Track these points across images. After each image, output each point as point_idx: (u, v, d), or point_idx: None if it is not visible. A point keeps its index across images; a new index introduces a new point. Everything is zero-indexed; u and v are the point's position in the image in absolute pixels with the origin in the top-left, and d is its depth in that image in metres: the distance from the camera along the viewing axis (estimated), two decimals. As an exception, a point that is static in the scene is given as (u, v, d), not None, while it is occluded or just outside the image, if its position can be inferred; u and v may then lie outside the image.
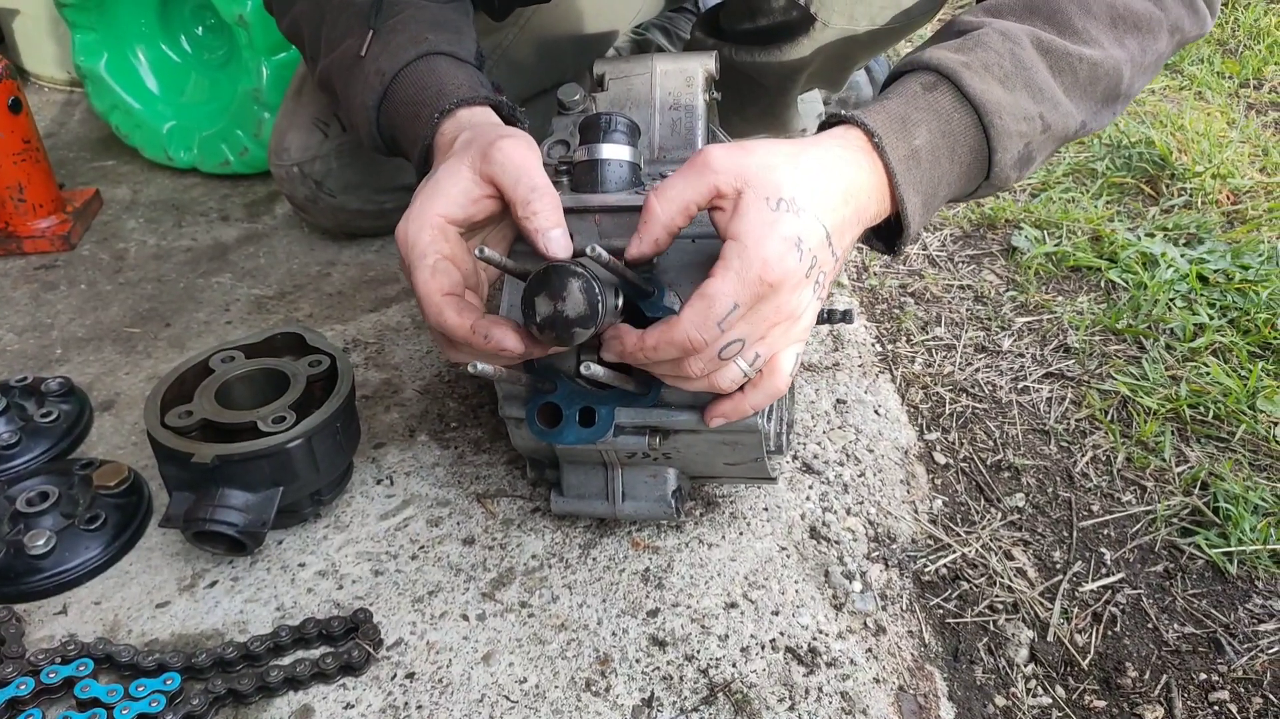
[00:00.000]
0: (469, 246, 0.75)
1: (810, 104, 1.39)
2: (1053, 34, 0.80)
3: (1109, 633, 0.93)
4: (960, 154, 0.76)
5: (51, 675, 0.76)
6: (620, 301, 0.73)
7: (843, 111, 0.75)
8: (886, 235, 0.79)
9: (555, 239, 0.70)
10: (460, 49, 0.90)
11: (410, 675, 0.78)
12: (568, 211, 0.79)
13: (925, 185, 0.75)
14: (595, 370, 0.70)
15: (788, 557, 0.89)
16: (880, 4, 1.05)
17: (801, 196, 0.68)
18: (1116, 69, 0.82)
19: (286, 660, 0.79)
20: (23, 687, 0.75)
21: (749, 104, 1.20)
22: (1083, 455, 1.12)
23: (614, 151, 0.79)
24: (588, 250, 0.71)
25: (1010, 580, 0.97)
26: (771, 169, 0.68)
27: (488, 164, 0.72)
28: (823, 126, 0.76)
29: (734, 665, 0.79)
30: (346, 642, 0.80)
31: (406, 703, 0.76)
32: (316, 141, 1.22)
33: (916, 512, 1.03)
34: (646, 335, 0.70)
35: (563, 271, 0.67)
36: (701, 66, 0.92)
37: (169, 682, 0.76)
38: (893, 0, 1.05)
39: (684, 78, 0.92)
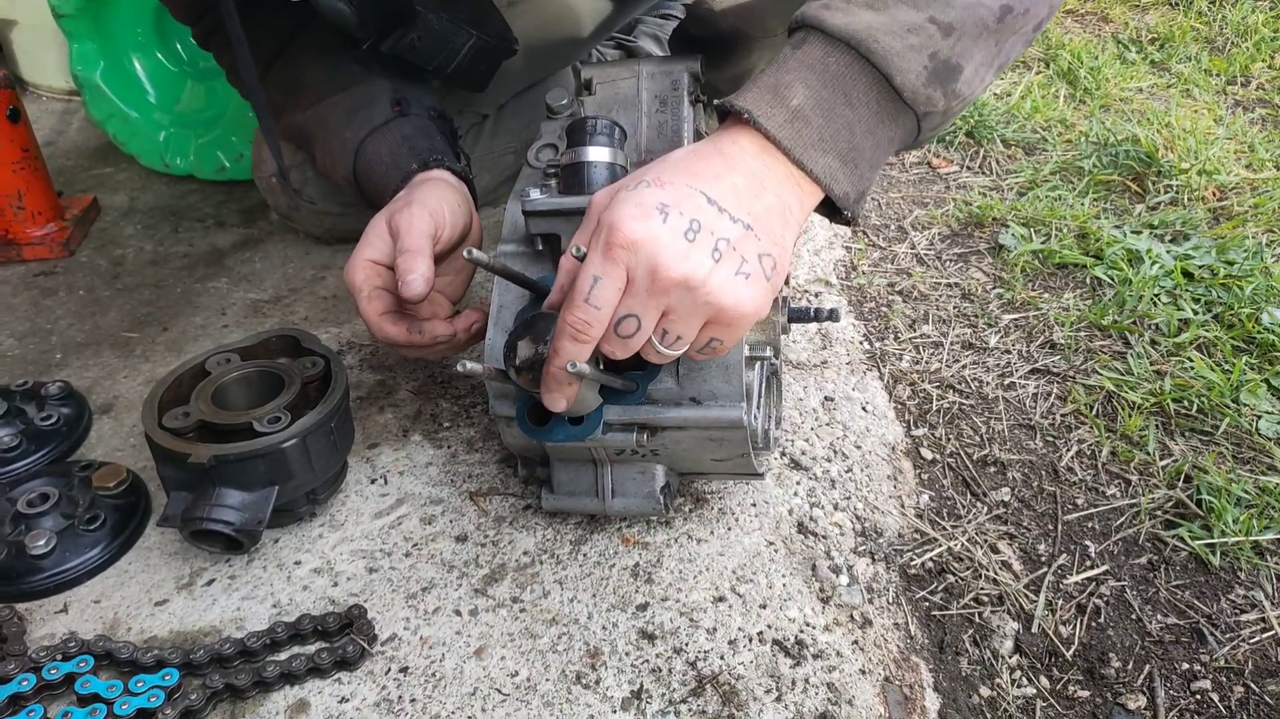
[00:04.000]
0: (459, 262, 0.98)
1: None
2: None
3: (1093, 624, 0.95)
4: (858, 95, 0.71)
5: (53, 672, 0.77)
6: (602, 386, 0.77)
7: (717, 101, 0.74)
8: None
9: (409, 283, 0.87)
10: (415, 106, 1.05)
11: (404, 670, 0.80)
12: (556, 214, 0.82)
13: (830, 142, 0.71)
14: (582, 368, 0.72)
15: (775, 551, 0.91)
16: None
17: (666, 175, 0.68)
18: None
19: (283, 656, 0.80)
20: (25, 683, 0.76)
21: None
22: (1068, 450, 1.14)
23: (599, 154, 0.81)
24: (573, 251, 0.73)
25: (995, 573, 0.99)
26: (641, 170, 0.71)
27: (391, 227, 0.92)
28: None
29: (722, 658, 0.80)
30: (341, 637, 0.82)
31: (400, 696, 0.78)
32: (291, 151, 1.24)
33: (903, 506, 1.05)
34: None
35: (549, 319, 0.72)
36: (686, 69, 0.94)
37: (168, 677, 0.77)
38: None
39: (669, 81, 0.93)
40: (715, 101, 0.72)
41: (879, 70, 0.70)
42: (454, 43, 1.04)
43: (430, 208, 0.92)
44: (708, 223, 0.67)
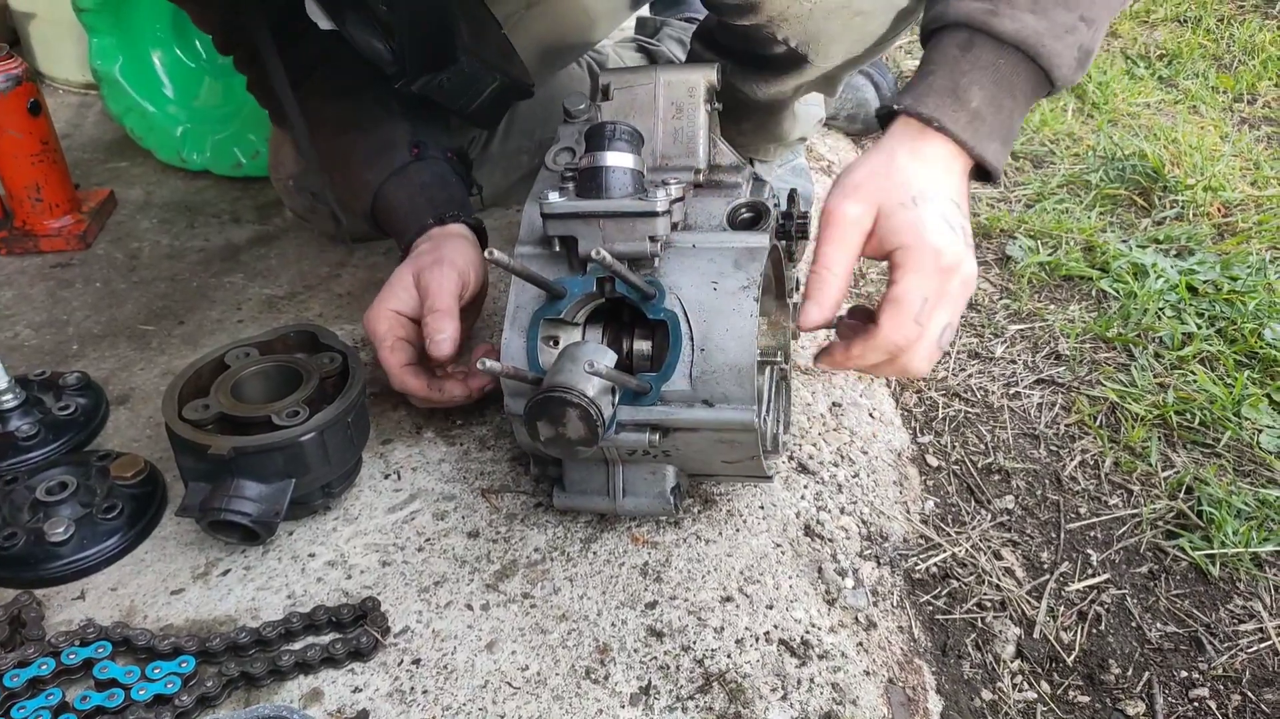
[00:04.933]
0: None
1: (810, 107, 1.42)
2: None
3: (1094, 631, 0.96)
4: (1020, 87, 0.80)
5: (71, 657, 0.79)
6: (617, 398, 0.81)
7: (894, 105, 0.81)
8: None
9: (439, 343, 0.93)
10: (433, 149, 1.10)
11: (416, 661, 0.81)
12: (574, 217, 0.83)
13: (998, 131, 0.80)
14: (600, 369, 0.73)
15: (782, 553, 0.92)
16: (871, 38, 1.06)
17: (922, 186, 0.78)
18: None
19: (297, 645, 0.82)
20: (44, 667, 0.78)
21: (743, 119, 1.23)
22: (1071, 459, 1.15)
23: (618, 159, 0.82)
24: (592, 254, 0.75)
25: (999, 579, 1.00)
26: (886, 178, 0.79)
27: (419, 283, 0.98)
28: (881, 122, 0.84)
29: (729, 656, 0.82)
30: (355, 628, 0.83)
31: (413, 687, 0.79)
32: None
33: (908, 512, 1.06)
34: (852, 347, 0.80)
35: (559, 403, 0.75)
36: (704, 78, 0.95)
37: (184, 664, 0.79)
38: (881, 33, 1.05)
39: (686, 88, 0.95)
40: (892, 106, 0.81)
41: (1042, 68, 0.79)
42: (479, 84, 1.07)
43: (459, 268, 0.98)
44: (964, 226, 0.79)
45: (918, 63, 0.84)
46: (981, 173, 0.83)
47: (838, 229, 0.79)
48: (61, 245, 1.45)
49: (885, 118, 0.83)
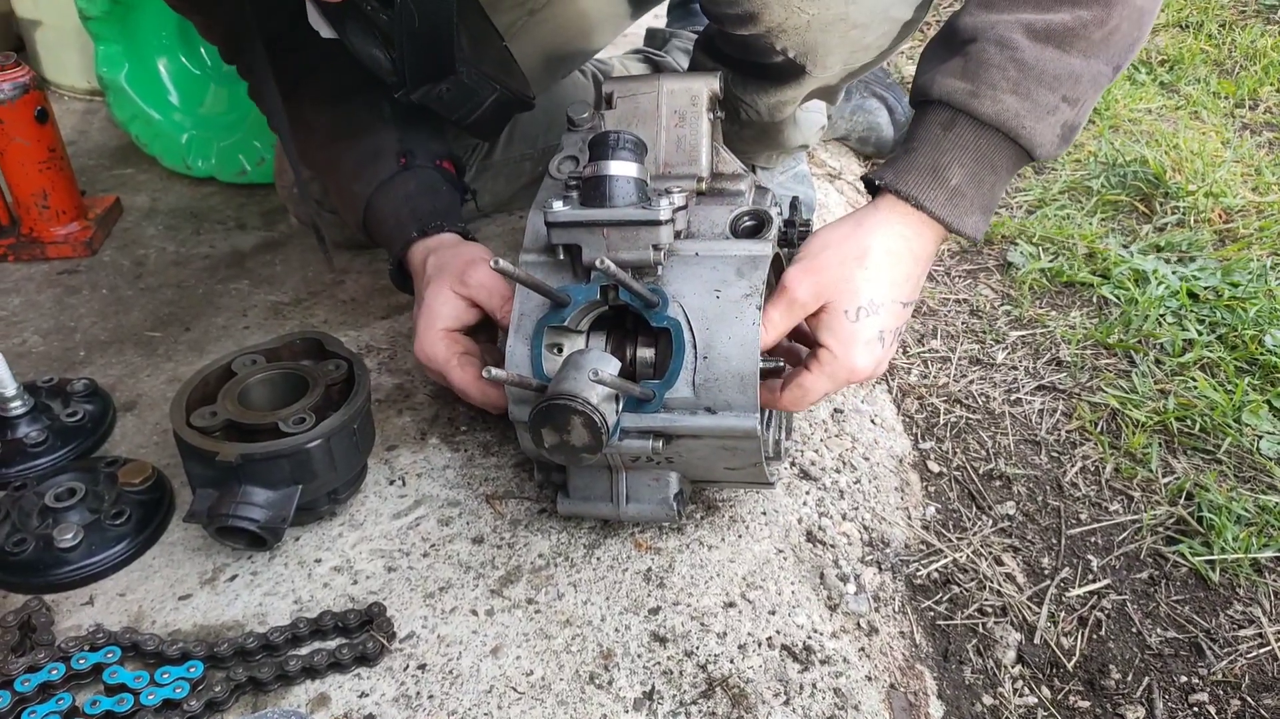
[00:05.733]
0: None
1: (812, 114, 1.42)
2: (1043, 12, 0.82)
3: (1094, 636, 0.96)
4: (1000, 163, 0.84)
5: (81, 662, 0.80)
6: (621, 405, 0.83)
7: (877, 180, 0.86)
8: None
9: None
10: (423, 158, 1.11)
11: (422, 667, 0.82)
12: (578, 225, 0.84)
13: (977, 205, 0.85)
14: (604, 376, 0.74)
15: (785, 559, 0.93)
16: (870, 50, 1.06)
17: (877, 295, 0.83)
18: (1127, 3, 0.83)
19: (304, 651, 0.82)
20: (54, 672, 0.79)
21: (745, 127, 1.24)
22: (1072, 466, 1.16)
23: (621, 168, 0.83)
24: (596, 263, 0.75)
25: (1000, 585, 1.01)
26: (846, 282, 0.83)
27: (465, 288, 0.97)
28: (867, 186, 0.89)
29: (732, 662, 0.82)
30: (361, 634, 0.84)
31: (419, 692, 0.80)
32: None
33: (910, 518, 1.07)
34: (766, 396, 0.86)
35: (564, 410, 0.75)
36: (707, 86, 0.96)
37: (192, 669, 0.80)
38: (879, 45, 1.05)
39: (689, 97, 0.96)
40: (875, 180, 0.86)
41: (1023, 147, 0.83)
42: (479, 96, 1.07)
43: (486, 255, 1.00)
44: (897, 326, 0.86)
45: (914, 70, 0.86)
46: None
47: (786, 302, 0.85)
48: (68, 252, 1.46)
49: (870, 186, 0.88)
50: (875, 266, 0.84)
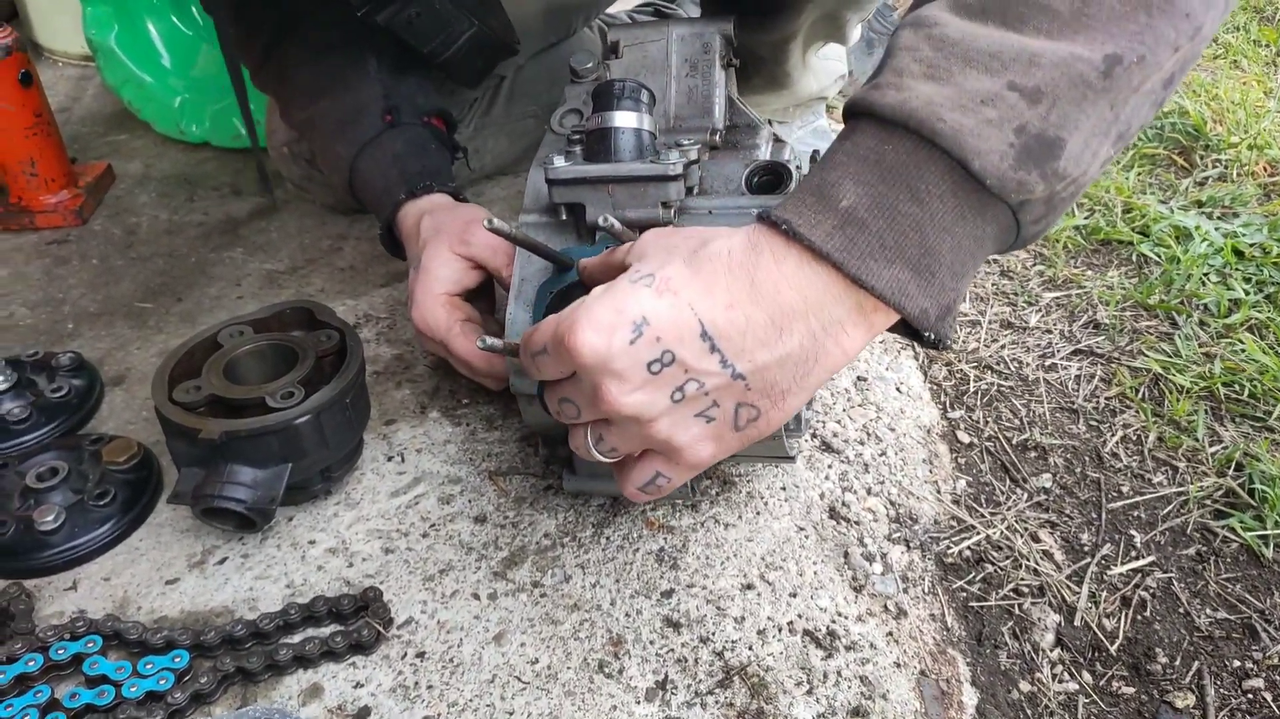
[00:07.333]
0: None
1: (828, 61, 1.34)
2: None
3: (1138, 618, 0.90)
4: (927, 188, 0.55)
5: (60, 652, 0.75)
6: None
7: (758, 211, 0.60)
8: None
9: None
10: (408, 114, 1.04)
11: (420, 655, 0.77)
12: (581, 182, 0.77)
13: (896, 249, 0.55)
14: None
15: (806, 537, 0.87)
16: None
17: (677, 279, 0.57)
18: None
19: (296, 639, 0.78)
20: (32, 663, 0.74)
21: (753, 74, 1.17)
22: (1112, 435, 1.09)
23: (626, 119, 0.76)
24: (600, 221, 0.69)
25: (1036, 563, 0.95)
26: (658, 251, 0.61)
27: (466, 247, 0.91)
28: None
29: (750, 648, 0.77)
30: (356, 620, 0.79)
31: (417, 682, 0.75)
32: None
33: (939, 492, 1.01)
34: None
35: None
36: (719, 31, 0.89)
37: (177, 659, 0.75)
38: None
39: (701, 43, 0.89)
40: (757, 212, 0.60)
41: (950, 155, 0.54)
42: (453, 28, 1.00)
43: (480, 215, 0.93)
44: (688, 360, 0.57)
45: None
46: (911, 327, 0.58)
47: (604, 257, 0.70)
48: (58, 221, 1.41)
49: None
50: (707, 261, 0.58)
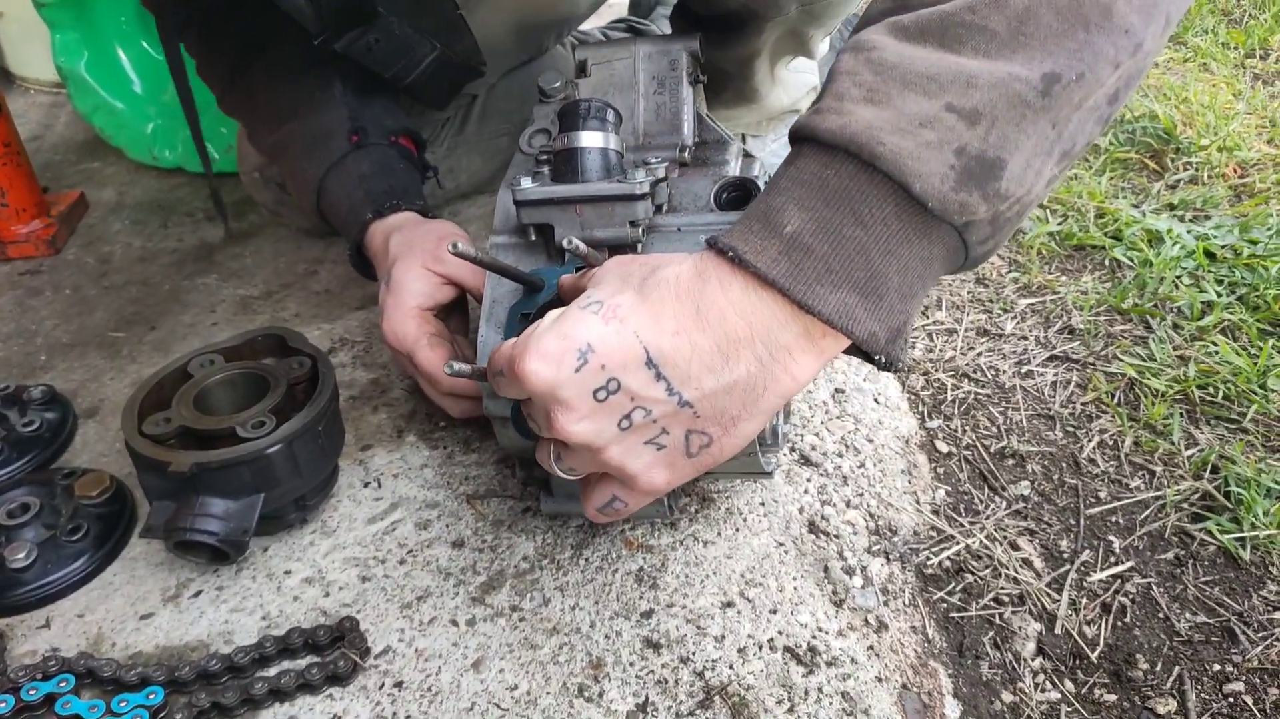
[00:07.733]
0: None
1: (799, 74, 1.35)
2: (916, 8, 0.59)
3: (1119, 624, 0.91)
4: (869, 212, 0.56)
5: (31, 693, 0.74)
6: None
7: (705, 238, 0.61)
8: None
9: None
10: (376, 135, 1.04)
11: (398, 684, 0.76)
12: (548, 203, 0.77)
13: (842, 273, 0.56)
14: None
15: (785, 552, 0.87)
16: None
17: (625, 308, 0.57)
18: None
19: (272, 672, 0.77)
20: (2, 704, 0.73)
21: (721, 89, 1.18)
22: (1089, 440, 1.09)
23: (592, 139, 0.76)
24: (565, 243, 0.69)
25: (1016, 571, 0.95)
26: (610, 282, 0.61)
27: (439, 264, 0.92)
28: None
29: (731, 667, 0.77)
30: (333, 651, 0.78)
31: (395, 713, 0.74)
32: None
33: (918, 502, 1.01)
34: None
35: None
36: (685, 49, 0.89)
37: (152, 696, 0.74)
38: None
39: (668, 61, 0.89)
40: (704, 238, 0.60)
41: (891, 178, 0.55)
42: (415, 52, 1.00)
43: (455, 232, 0.95)
44: (633, 387, 0.57)
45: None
46: (863, 351, 0.58)
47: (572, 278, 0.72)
48: (30, 251, 1.40)
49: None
50: (655, 289, 0.58)
